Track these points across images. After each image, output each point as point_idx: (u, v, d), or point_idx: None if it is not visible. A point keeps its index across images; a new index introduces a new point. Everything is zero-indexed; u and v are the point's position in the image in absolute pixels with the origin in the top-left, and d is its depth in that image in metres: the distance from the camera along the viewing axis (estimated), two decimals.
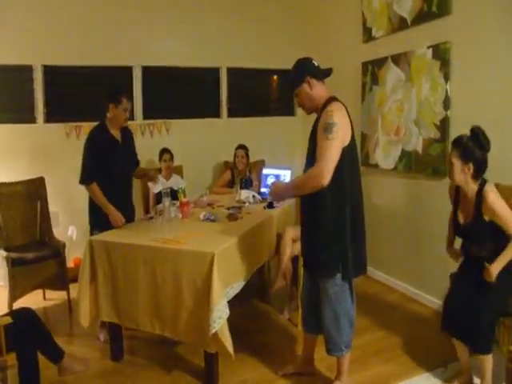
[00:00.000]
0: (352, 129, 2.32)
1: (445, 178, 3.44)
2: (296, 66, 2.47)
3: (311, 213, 2.42)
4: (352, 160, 2.33)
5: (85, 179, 3.17)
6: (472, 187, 2.45)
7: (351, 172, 2.32)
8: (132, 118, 4.74)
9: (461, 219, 2.57)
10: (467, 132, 2.46)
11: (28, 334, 2.35)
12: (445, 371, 2.72)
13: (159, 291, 2.62)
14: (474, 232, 2.48)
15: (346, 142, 2.26)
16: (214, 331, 2.38)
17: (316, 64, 2.42)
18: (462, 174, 2.43)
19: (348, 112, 2.33)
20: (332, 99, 2.35)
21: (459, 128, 3.25)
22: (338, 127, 2.19)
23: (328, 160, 2.16)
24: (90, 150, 3.20)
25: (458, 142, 2.45)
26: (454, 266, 3.07)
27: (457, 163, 2.42)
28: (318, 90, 2.38)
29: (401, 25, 3.83)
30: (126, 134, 3.45)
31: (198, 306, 2.49)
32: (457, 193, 2.60)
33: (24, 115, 4.56)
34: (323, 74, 2.42)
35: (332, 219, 2.32)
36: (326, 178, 2.16)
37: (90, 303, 2.85)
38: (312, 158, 2.30)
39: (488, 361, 2.39)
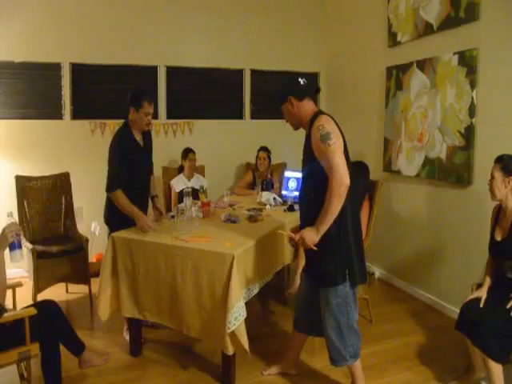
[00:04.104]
0: (343, 138, 2.33)
1: (469, 187, 3.40)
2: (280, 84, 2.55)
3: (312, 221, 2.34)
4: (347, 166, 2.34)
5: (111, 187, 3.01)
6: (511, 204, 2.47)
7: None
8: (156, 117, 4.80)
9: (498, 237, 2.56)
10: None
11: (51, 326, 2.41)
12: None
13: (179, 289, 2.65)
14: (510, 248, 2.46)
15: (342, 149, 2.27)
16: (229, 331, 2.41)
17: (302, 83, 2.42)
18: (503, 187, 2.45)
19: (337, 122, 2.35)
20: (318, 113, 2.37)
21: (485, 136, 3.22)
22: (334, 135, 2.24)
23: (338, 165, 2.18)
24: (117, 156, 3.04)
25: (500, 157, 2.49)
26: (475, 276, 3.04)
27: (498, 176, 2.45)
28: (301, 108, 2.40)
29: (426, 30, 3.80)
30: (147, 138, 3.31)
31: (216, 307, 2.52)
32: (496, 213, 2.62)
33: (52, 111, 4.67)
34: (308, 94, 2.42)
35: (335, 224, 2.27)
36: (347, 179, 2.19)
37: (111, 298, 2.91)
38: (306, 169, 2.40)
39: (498, 370, 2.35)
